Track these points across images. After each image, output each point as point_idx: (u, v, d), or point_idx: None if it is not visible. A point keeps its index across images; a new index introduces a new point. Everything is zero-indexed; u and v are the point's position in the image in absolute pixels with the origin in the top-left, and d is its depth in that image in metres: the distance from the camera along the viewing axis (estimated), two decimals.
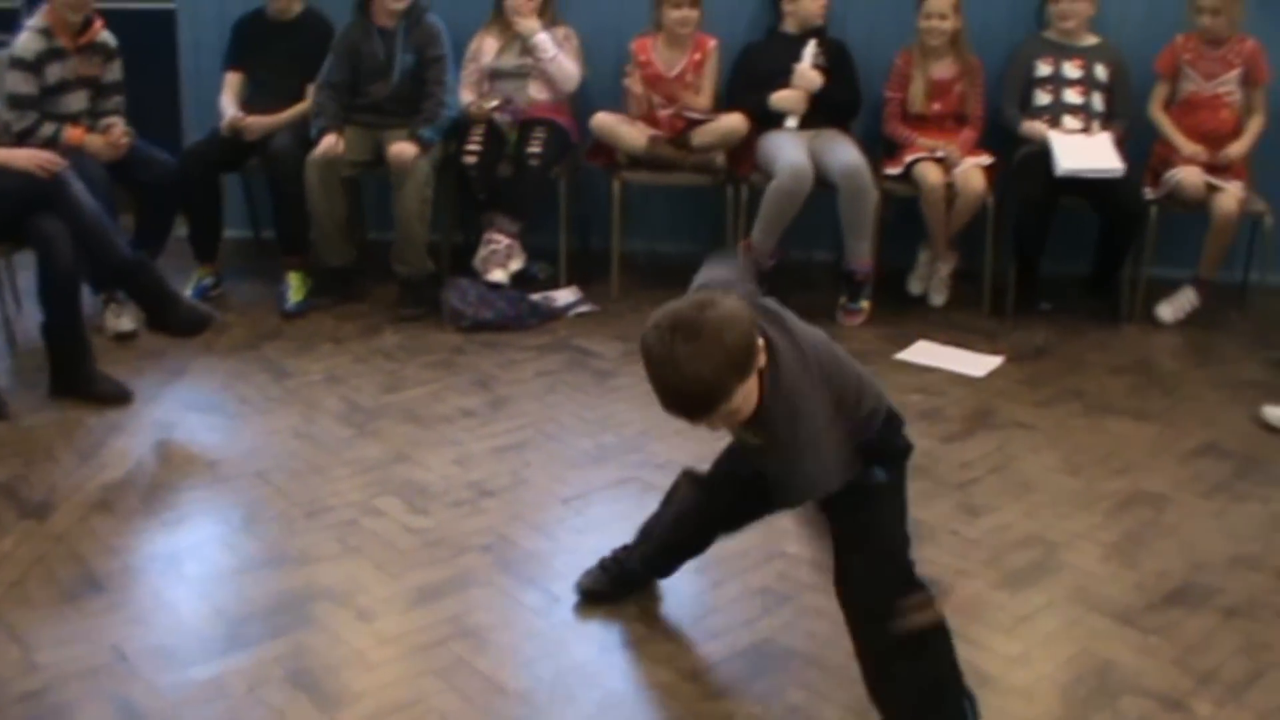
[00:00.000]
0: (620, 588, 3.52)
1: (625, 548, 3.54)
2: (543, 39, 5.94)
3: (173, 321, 4.93)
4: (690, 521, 3.37)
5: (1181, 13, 5.96)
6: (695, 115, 5.93)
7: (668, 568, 3.52)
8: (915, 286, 6.16)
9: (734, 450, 3.18)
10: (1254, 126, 5.91)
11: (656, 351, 2.51)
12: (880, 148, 6.18)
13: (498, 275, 5.74)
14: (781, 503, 2.80)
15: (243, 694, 3.08)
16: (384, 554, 3.73)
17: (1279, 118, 6.10)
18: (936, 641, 2.83)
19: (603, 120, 5.94)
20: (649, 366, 2.54)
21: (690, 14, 5.97)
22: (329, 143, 5.68)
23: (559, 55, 5.99)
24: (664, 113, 6.04)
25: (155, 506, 4.03)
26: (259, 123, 5.85)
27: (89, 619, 3.39)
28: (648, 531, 3.49)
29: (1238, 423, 4.85)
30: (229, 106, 5.97)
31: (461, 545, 3.78)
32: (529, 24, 5.93)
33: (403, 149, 5.64)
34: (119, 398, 4.80)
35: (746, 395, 2.57)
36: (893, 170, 5.92)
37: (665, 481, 3.99)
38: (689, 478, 3.37)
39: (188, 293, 5.61)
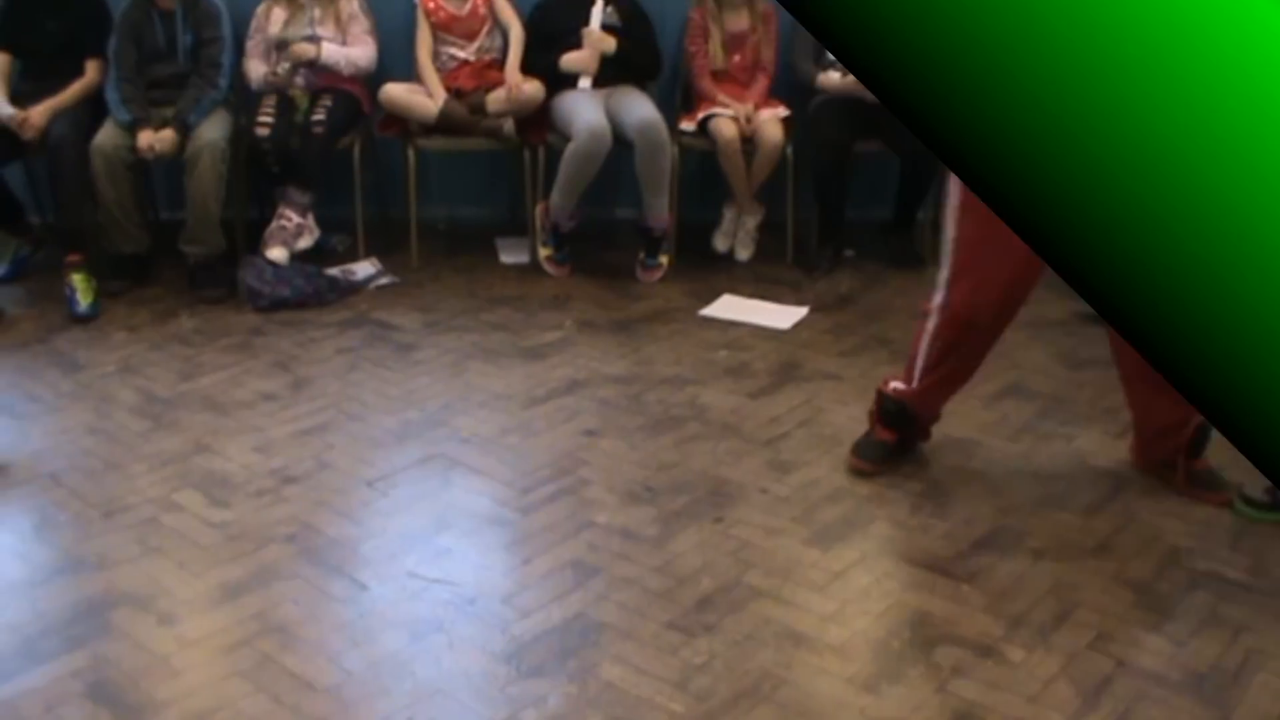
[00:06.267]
0: None
1: None
2: (329, 56, 5.80)
3: None
4: None
5: None
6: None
7: None
8: (720, 243, 6.10)
9: None
10: None
11: None
12: (678, 102, 6.14)
13: (276, 253, 5.54)
14: None
15: (40, 715, 2.93)
16: (185, 552, 3.60)
17: None
18: None
19: (392, 91, 5.77)
20: None
21: None
22: (149, 140, 5.48)
23: (344, 57, 5.83)
24: (461, 55, 5.92)
25: None
26: (40, 114, 5.52)
27: None
28: None
29: (1041, 361, 4.92)
30: (0, 95, 5.64)
31: (265, 537, 3.66)
32: (304, 50, 5.78)
33: (154, 140, 5.50)
34: None
35: None
36: (688, 125, 5.87)
37: (471, 457, 3.99)
38: None
39: (5, 266, 5.56)
